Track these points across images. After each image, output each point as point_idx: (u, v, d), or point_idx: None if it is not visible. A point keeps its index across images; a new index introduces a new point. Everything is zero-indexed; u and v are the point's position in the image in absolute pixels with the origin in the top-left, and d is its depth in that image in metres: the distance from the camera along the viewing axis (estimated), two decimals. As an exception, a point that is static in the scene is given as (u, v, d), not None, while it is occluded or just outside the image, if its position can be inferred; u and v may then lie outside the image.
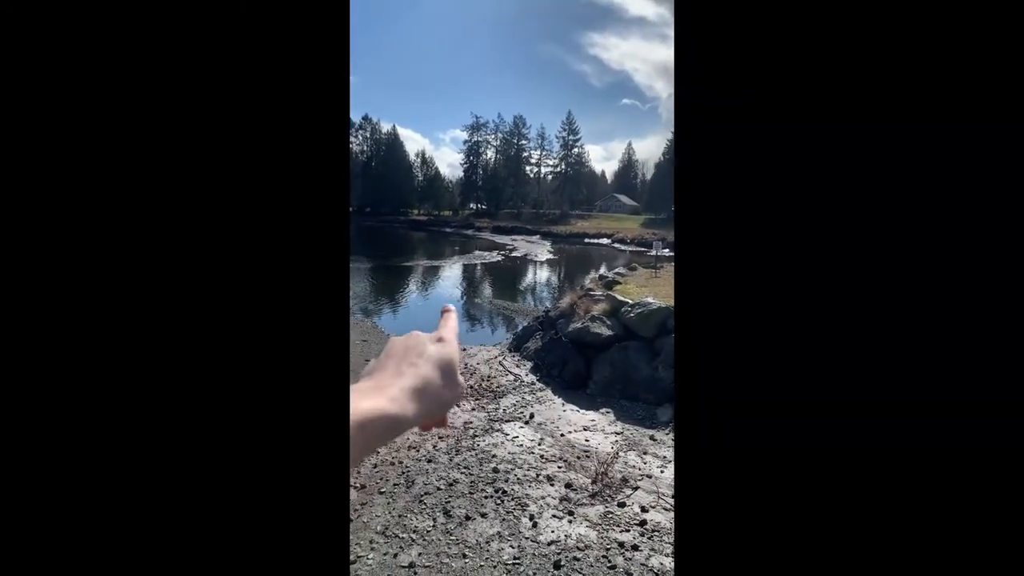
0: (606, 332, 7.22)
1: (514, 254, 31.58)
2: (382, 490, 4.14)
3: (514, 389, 6.87)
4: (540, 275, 24.09)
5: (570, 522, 3.78)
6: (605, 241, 41.39)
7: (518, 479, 4.39)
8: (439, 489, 4.18)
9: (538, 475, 4.47)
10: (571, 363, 7.18)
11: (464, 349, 8.38)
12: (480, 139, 73.17)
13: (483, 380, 7.21)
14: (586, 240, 43.06)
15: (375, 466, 4.54)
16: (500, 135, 73.26)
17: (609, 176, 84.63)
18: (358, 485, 4.20)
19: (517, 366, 7.91)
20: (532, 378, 7.34)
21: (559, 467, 4.65)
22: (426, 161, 75.82)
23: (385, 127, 73.56)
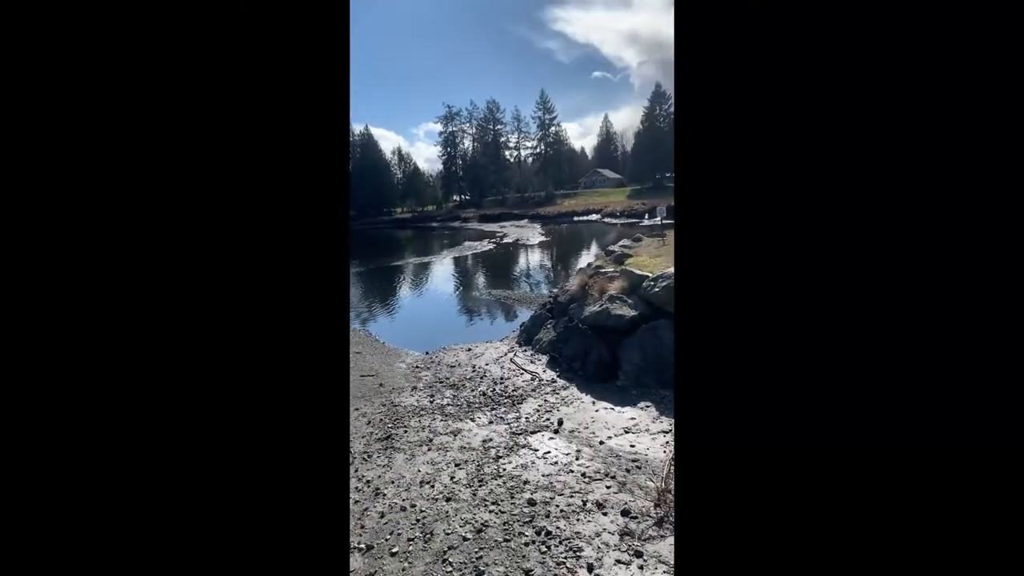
0: (629, 313, 6.32)
1: (505, 240, 30.56)
2: (394, 550, 3.25)
3: (534, 391, 5.98)
4: (534, 259, 23.17)
5: (641, 567, 2.92)
6: (595, 217, 40.50)
7: (561, 511, 3.51)
8: (465, 539, 3.29)
9: (584, 502, 3.60)
10: (593, 353, 6.30)
11: (469, 349, 7.28)
12: (455, 129, 71.28)
13: (495, 384, 6.31)
14: (575, 218, 42.10)
15: (381, 515, 3.64)
16: (475, 122, 71.45)
17: (589, 152, 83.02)
18: (362, 546, 3.30)
19: (532, 362, 7.02)
20: (552, 374, 6.45)
21: (608, 487, 3.78)
22: (403, 158, 74.02)
23: (357, 128, 71.59)
